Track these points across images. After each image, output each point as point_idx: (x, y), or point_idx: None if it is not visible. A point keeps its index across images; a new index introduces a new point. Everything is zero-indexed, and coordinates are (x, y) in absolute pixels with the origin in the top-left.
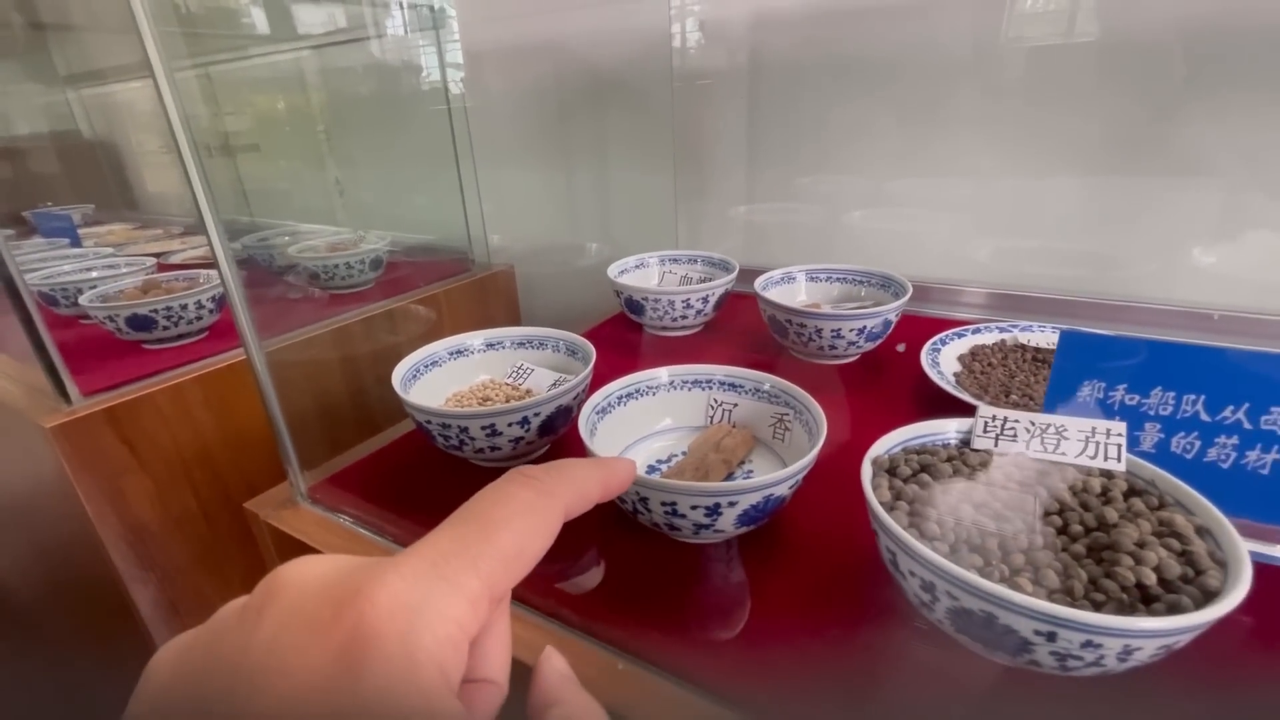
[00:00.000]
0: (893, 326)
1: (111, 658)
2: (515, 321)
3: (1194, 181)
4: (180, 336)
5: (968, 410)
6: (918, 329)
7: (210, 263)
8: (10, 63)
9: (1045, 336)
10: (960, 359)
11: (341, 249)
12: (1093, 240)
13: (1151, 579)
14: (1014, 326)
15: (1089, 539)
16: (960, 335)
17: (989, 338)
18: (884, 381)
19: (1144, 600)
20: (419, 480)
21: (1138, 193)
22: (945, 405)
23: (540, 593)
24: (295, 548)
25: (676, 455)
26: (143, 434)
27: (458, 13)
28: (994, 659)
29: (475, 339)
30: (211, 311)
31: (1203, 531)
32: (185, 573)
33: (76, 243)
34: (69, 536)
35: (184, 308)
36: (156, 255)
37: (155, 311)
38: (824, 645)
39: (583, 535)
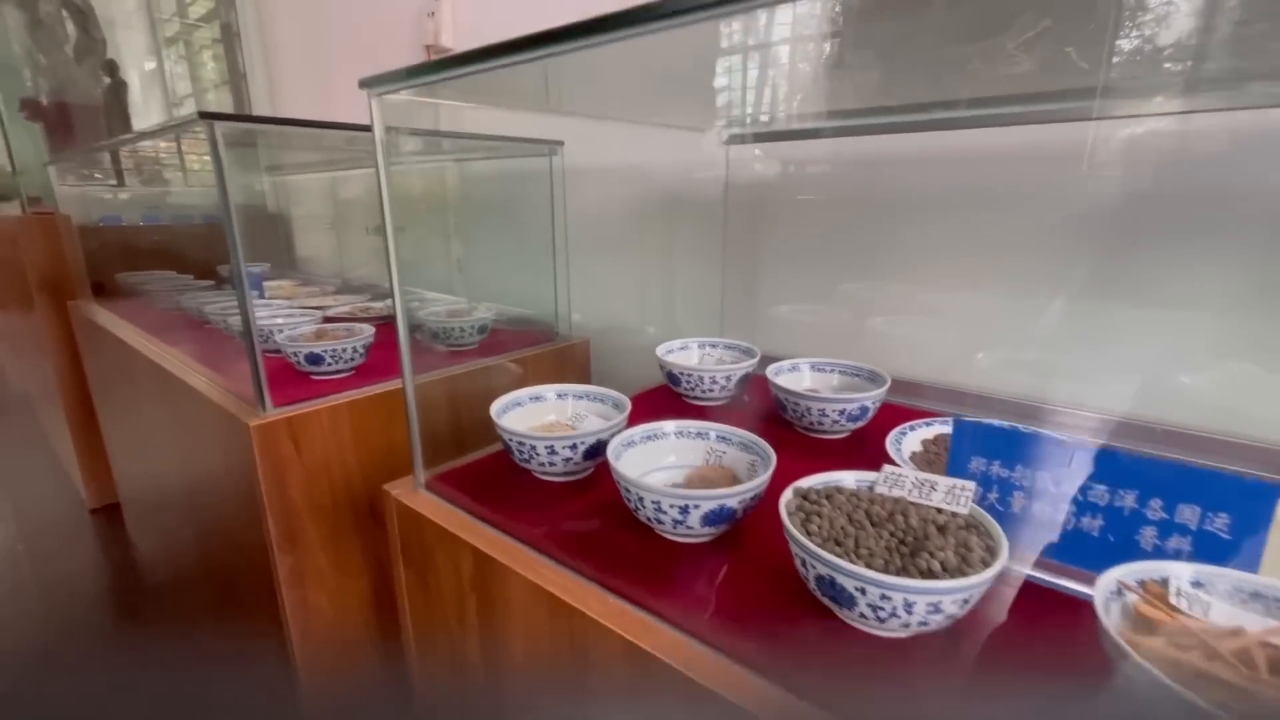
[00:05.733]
0: (871, 412)
1: (247, 616)
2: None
3: (1173, 314)
4: (337, 371)
5: None
6: (900, 416)
7: (358, 318)
8: (232, 155)
9: None
10: (923, 442)
11: (458, 315)
12: (1084, 358)
13: (937, 567)
14: None
15: (914, 544)
16: (929, 424)
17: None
18: (858, 454)
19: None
20: (498, 482)
21: (1122, 320)
22: None
23: (570, 555)
24: (413, 518)
25: (677, 484)
26: (305, 439)
27: (566, 144)
28: (843, 616)
29: (549, 390)
30: (362, 355)
31: (990, 549)
32: (312, 550)
33: (262, 295)
34: (243, 512)
35: (344, 351)
36: (318, 308)
37: (326, 352)
38: (749, 596)
39: (599, 525)
